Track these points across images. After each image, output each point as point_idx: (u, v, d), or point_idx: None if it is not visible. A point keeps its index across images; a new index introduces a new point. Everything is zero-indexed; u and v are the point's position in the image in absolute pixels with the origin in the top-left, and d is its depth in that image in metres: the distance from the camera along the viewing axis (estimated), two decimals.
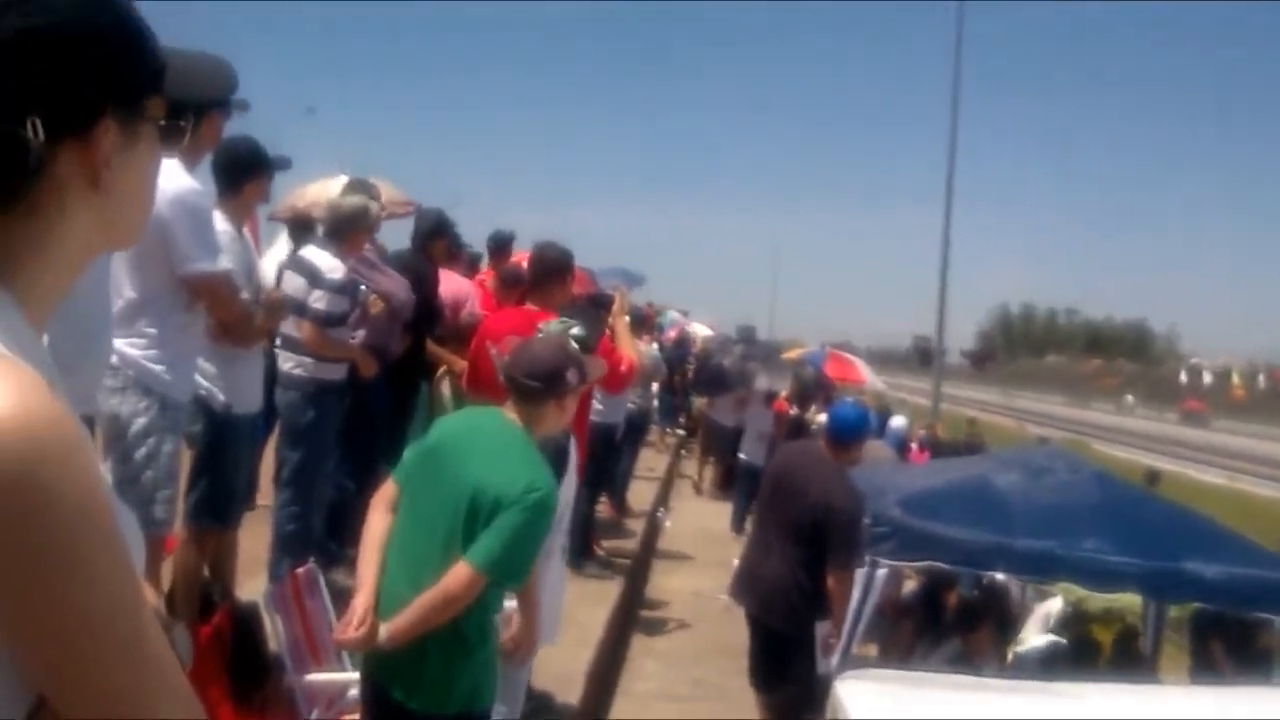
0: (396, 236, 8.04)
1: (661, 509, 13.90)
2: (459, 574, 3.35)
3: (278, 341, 5.82)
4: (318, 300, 5.77)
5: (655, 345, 15.43)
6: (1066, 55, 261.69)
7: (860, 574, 6.09)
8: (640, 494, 13.32)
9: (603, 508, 10.82)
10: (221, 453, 4.80)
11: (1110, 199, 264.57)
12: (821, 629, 6.28)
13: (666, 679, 8.23)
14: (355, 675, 4.04)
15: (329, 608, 4.70)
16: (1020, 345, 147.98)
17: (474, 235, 9.74)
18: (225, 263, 4.39)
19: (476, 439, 3.63)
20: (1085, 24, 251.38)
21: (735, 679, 7.07)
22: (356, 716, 3.98)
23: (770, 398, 15.23)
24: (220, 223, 4.66)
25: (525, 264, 6.90)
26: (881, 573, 6.40)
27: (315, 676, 4.48)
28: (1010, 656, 7.73)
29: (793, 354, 21.96)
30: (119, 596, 0.98)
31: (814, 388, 14.97)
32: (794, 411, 14.51)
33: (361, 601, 3.45)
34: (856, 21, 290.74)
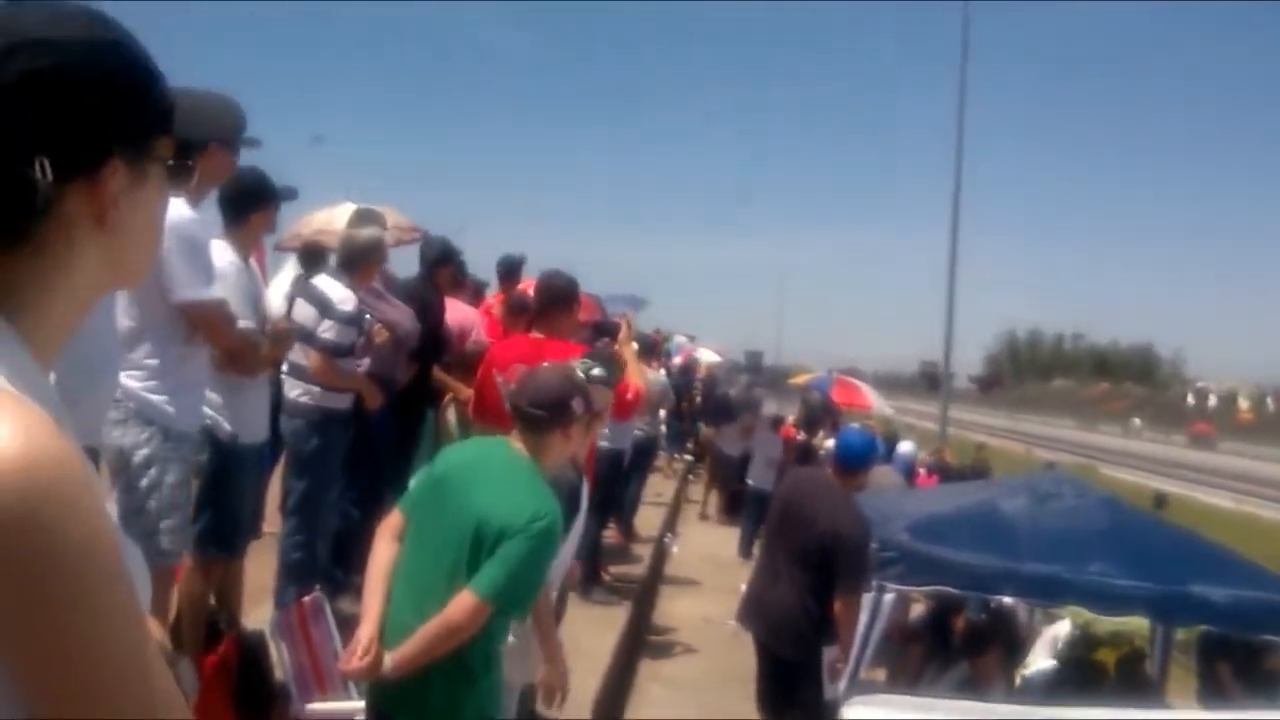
0: (401, 262, 8.07)
1: (669, 534, 13.85)
2: (463, 603, 3.35)
3: (284, 368, 5.84)
4: (327, 330, 5.79)
5: (663, 371, 15.43)
6: (1070, 82, 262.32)
7: (868, 599, 6.08)
8: (648, 520, 13.28)
9: (610, 533, 10.79)
10: (227, 482, 4.79)
11: (1115, 225, 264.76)
12: (829, 654, 6.26)
13: (674, 705, 8.18)
14: (360, 704, 4.03)
15: (335, 636, 4.70)
16: (1027, 370, 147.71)
17: (480, 260, 9.77)
18: (219, 291, 4.32)
19: (482, 468, 3.63)
20: (1087, 52, 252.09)
21: (743, 705, 7.03)
22: None
23: (777, 423, 15.24)
24: (227, 253, 4.68)
25: (532, 291, 6.92)
26: (889, 597, 6.38)
27: (321, 705, 4.47)
28: (1019, 680, 7.71)
29: (799, 379, 21.98)
30: (123, 636, 0.98)
31: (821, 413, 14.99)
32: (801, 437, 14.53)
33: (366, 631, 3.45)
34: (862, 51, 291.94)
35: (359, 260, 6.06)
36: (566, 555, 4.37)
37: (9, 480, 0.91)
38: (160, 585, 3.97)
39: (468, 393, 6.57)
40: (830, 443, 10.59)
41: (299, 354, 5.77)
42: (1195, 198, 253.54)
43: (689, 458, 20.91)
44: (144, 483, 4.09)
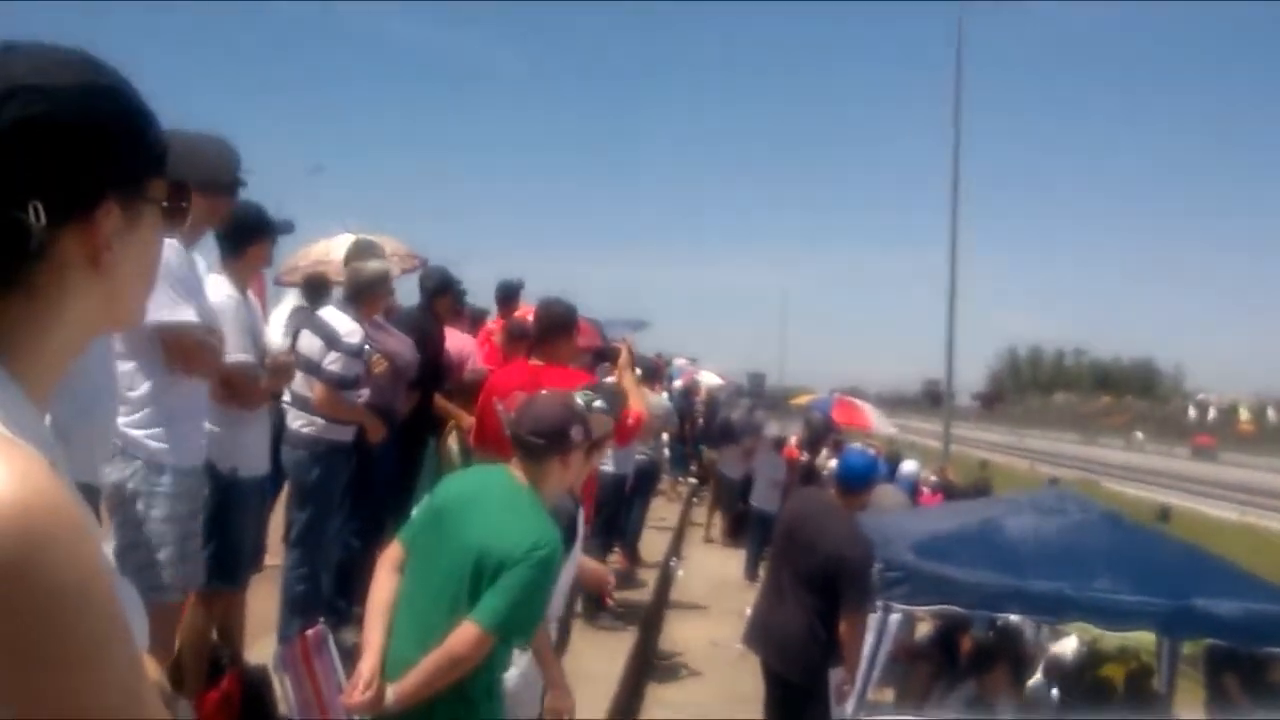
0: (399, 291, 8.07)
1: (674, 559, 13.82)
2: (465, 634, 3.34)
3: (286, 398, 5.84)
4: (333, 362, 5.80)
5: (665, 395, 15.43)
6: (1068, 99, 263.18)
7: (874, 619, 6.07)
8: (652, 544, 13.25)
9: (615, 559, 10.77)
10: (228, 516, 4.74)
11: (1114, 241, 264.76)
12: (836, 675, 6.25)
13: None
14: None
15: (339, 669, 4.66)
16: (1029, 386, 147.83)
17: (479, 286, 9.77)
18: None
19: (482, 498, 3.62)
20: (1083, 70, 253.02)
21: None
22: None
23: (779, 444, 15.25)
24: (224, 286, 4.68)
25: (531, 318, 6.92)
26: (895, 617, 6.36)
27: None
28: (1026, 697, 7.68)
29: (801, 400, 22.01)
30: (119, 679, 0.98)
31: (823, 432, 15.01)
32: (804, 457, 14.54)
33: (368, 664, 3.44)
34: (858, 72, 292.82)
35: (365, 293, 6.08)
36: (565, 583, 4.36)
37: (4, 525, 0.91)
38: (164, 621, 3.95)
39: (469, 420, 6.57)
40: (833, 463, 10.61)
41: (303, 385, 5.77)
42: (1194, 212, 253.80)
43: (693, 480, 20.90)
44: (134, 517, 4.04)
